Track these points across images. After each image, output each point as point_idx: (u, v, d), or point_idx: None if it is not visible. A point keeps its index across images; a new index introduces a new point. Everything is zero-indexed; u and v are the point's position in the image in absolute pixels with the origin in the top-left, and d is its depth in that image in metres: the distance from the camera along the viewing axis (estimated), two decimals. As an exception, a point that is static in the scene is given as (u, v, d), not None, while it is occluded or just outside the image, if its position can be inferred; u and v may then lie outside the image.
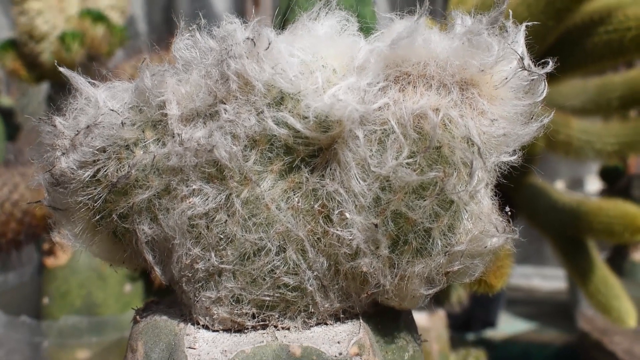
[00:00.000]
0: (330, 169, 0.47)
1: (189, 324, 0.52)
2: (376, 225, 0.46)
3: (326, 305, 0.50)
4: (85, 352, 1.18)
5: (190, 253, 0.49)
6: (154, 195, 0.49)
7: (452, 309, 1.12)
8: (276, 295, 0.49)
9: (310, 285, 0.49)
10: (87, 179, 0.49)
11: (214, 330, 0.51)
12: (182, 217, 0.48)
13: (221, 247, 0.48)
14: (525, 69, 0.46)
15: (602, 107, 1.25)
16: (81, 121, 0.50)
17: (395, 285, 0.48)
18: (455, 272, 0.49)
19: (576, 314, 1.65)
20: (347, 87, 0.45)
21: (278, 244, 0.48)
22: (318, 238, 0.48)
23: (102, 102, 0.49)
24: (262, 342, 0.48)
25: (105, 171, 0.49)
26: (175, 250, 0.50)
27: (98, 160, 0.49)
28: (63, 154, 0.49)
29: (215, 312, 0.50)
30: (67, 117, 0.51)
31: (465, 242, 0.47)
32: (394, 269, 0.47)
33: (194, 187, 0.48)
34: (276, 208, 0.47)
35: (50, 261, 1.21)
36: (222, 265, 0.48)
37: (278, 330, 0.50)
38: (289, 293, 0.49)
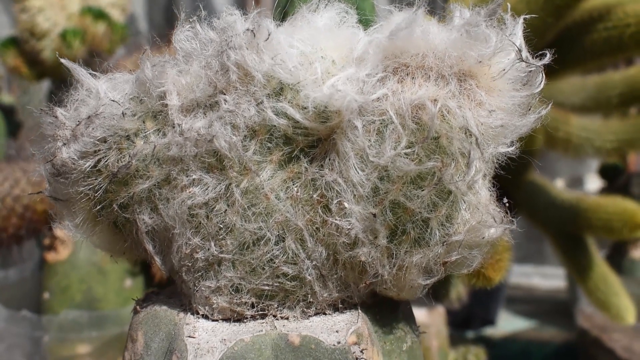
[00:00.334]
0: (329, 159, 0.47)
1: (189, 313, 0.52)
2: (374, 215, 0.46)
3: (325, 295, 0.50)
4: (85, 346, 1.19)
5: (190, 242, 0.49)
6: (154, 185, 0.50)
7: (452, 305, 1.12)
8: (275, 284, 0.49)
9: (309, 275, 0.49)
10: (88, 169, 0.50)
11: (213, 320, 0.51)
12: (182, 206, 0.49)
13: (221, 236, 0.49)
14: (523, 61, 0.47)
15: (601, 105, 1.26)
16: (82, 112, 0.50)
17: (393, 275, 0.49)
18: (453, 262, 0.49)
19: (575, 311, 1.65)
20: (346, 78, 0.46)
21: (277, 233, 0.48)
22: (317, 228, 0.48)
23: (103, 93, 0.50)
24: (262, 331, 0.49)
25: (106, 161, 0.50)
26: (175, 240, 0.50)
27: (99, 150, 0.50)
28: (64, 144, 0.50)
29: (215, 301, 0.50)
30: (68, 108, 0.51)
31: (463, 232, 0.47)
32: (392, 258, 0.48)
33: (194, 177, 0.49)
34: (275, 198, 0.48)
35: (51, 256, 1.22)
36: (222, 255, 0.49)
37: (277, 319, 0.50)
38: (288, 282, 0.49)
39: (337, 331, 0.49)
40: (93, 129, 0.49)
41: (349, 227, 0.47)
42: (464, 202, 0.47)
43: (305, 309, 0.51)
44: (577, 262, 1.24)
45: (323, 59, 0.47)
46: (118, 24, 1.66)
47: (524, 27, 0.48)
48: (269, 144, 0.48)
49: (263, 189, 0.48)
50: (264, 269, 0.49)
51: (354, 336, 0.48)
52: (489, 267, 0.86)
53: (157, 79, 0.49)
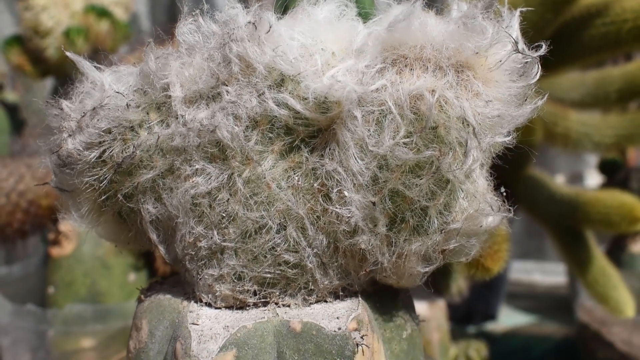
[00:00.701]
0: (330, 149, 0.48)
1: (192, 301, 0.53)
2: (374, 204, 0.47)
3: (326, 283, 0.51)
4: (89, 339, 1.20)
5: (194, 231, 0.50)
6: (158, 175, 0.51)
7: (452, 299, 1.13)
8: (277, 272, 0.50)
9: (310, 263, 0.50)
10: (93, 159, 0.51)
11: (216, 307, 0.52)
12: (186, 196, 0.50)
13: (223, 225, 0.50)
14: (519, 52, 0.48)
15: (600, 100, 1.26)
16: (87, 104, 0.51)
17: (393, 262, 0.49)
18: (451, 250, 0.50)
19: (575, 306, 1.66)
20: (346, 69, 0.47)
21: (279, 221, 0.49)
22: (318, 216, 0.49)
23: (108, 85, 0.51)
24: (264, 318, 0.50)
25: (110, 152, 0.51)
26: (179, 229, 0.51)
27: (104, 141, 0.51)
28: (70, 135, 0.51)
29: (218, 289, 0.51)
30: (73, 101, 0.52)
31: (461, 220, 0.48)
32: (392, 246, 0.49)
33: (197, 166, 0.49)
34: (277, 187, 0.49)
35: (55, 251, 1.23)
36: (225, 243, 0.50)
37: (279, 307, 0.51)
38: (290, 270, 0.50)
39: (337, 318, 0.49)
40: (98, 120, 0.50)
41: (349, 215, 0.48)
42: (462, 190, 0.48)
43: (307, 297, 0.52)
44: (577, 255, 1.25)
45: (323, 51, 0.48)
46: (121, 22, 1.67)
47: (523, 22, 0.49)
48: (271, 134, 0.49)
49: (265, 178, 0.49)
50: (265, 256, 0.50)
51: (354, 322, 0.49)
52: (487, 258, 0.86)
53: (161, 71, 0.50)
